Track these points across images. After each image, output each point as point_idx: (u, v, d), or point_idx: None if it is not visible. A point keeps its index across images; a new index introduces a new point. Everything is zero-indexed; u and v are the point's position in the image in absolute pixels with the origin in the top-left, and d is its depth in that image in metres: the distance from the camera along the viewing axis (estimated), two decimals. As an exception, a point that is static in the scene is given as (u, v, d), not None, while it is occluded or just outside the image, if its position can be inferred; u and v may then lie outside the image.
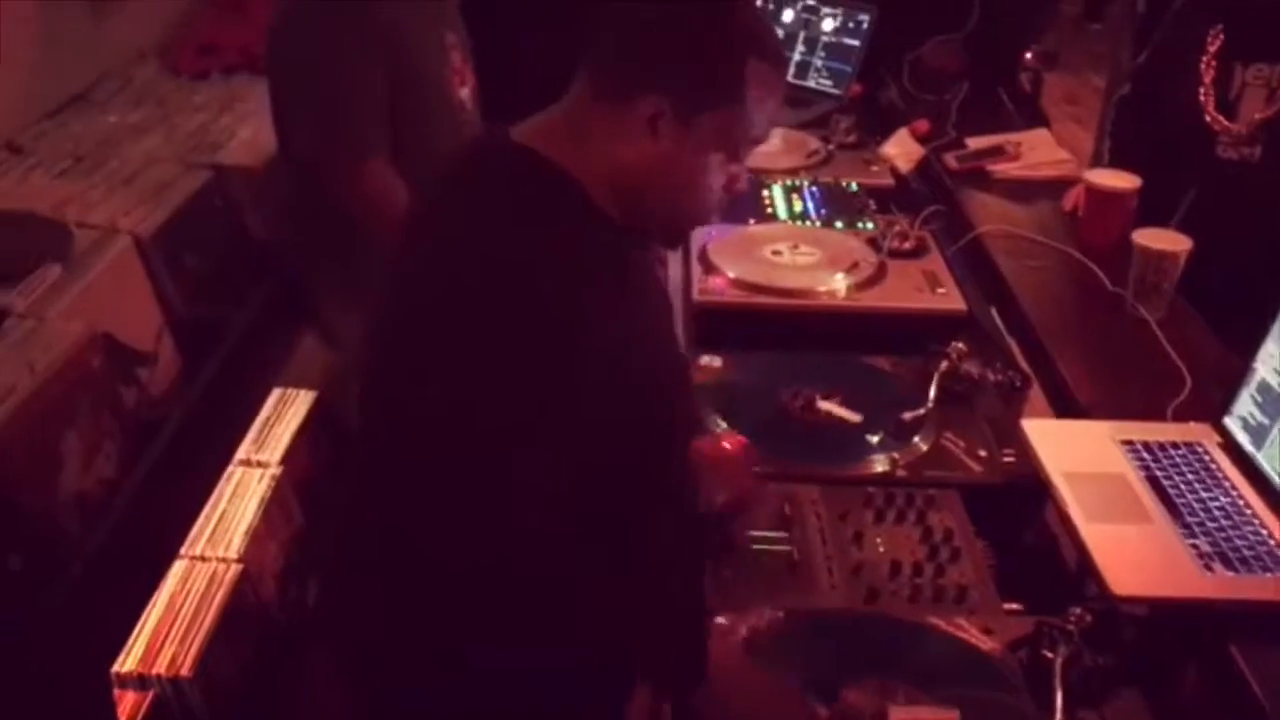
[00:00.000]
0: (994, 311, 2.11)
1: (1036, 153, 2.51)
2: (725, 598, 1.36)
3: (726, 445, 1.62)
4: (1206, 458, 1.54)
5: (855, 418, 1.69)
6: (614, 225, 1.21)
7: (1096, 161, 2.56)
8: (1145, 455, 1.55)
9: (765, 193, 2.38)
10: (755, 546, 1.44)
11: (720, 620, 1.32)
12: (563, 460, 1.14)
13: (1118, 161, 2.37)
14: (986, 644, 1.32)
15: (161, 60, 2.64)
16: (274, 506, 2.38)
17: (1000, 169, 2.47)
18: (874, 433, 1.66)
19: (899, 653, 1.29)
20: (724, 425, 1.67)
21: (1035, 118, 2.79)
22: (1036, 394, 1.89)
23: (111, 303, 1.84)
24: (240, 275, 2.19)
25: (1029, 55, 2.96)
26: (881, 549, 1.46)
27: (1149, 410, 1.69)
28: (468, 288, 1.16)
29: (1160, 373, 1.78)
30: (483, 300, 1.15)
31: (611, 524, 1.20)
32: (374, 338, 1.31)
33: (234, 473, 2.42)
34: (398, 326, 1.26)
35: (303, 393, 2.59)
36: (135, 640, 1.96)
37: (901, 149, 2.58)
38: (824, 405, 1.70)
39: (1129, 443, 1.57)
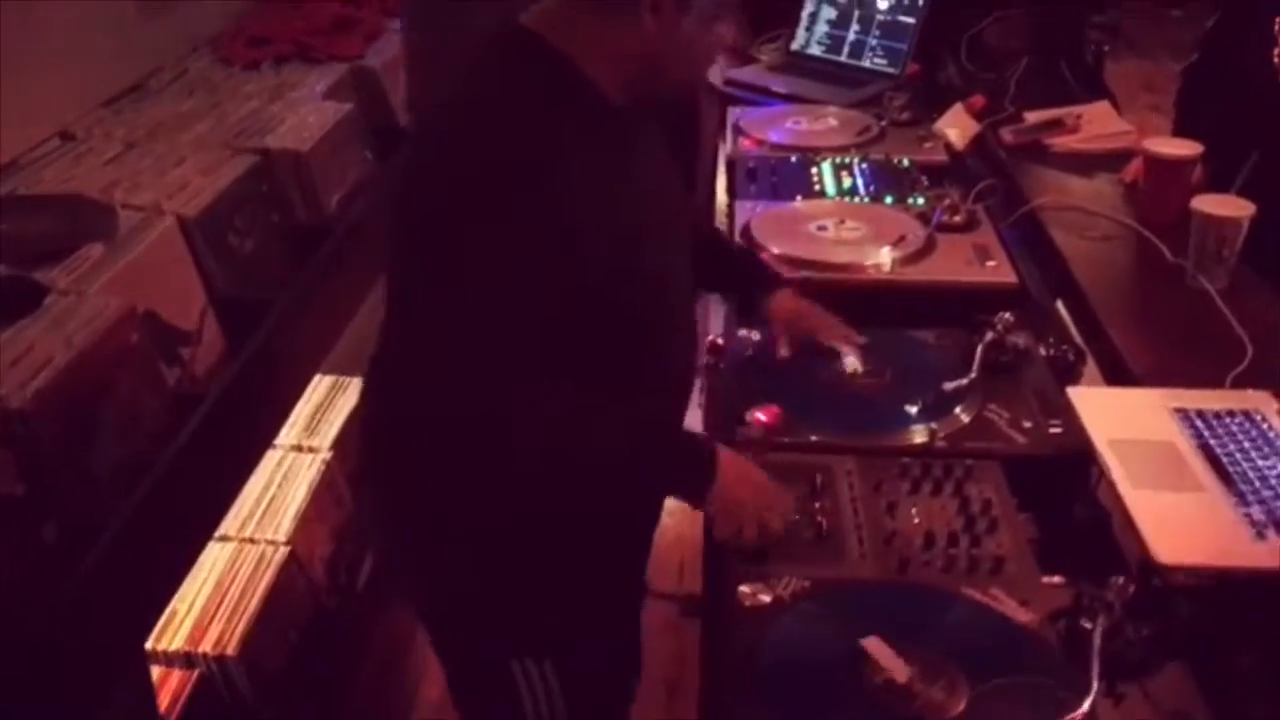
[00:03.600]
0: (1048, 285, 2.04)
1: (1096, 125, 2.43)
2: (751, 565, 1.32)
3: (761, 416, 1.60)
4: (1264, 425, 1.47)
5: (859, 365, 1.67)
6: (605, 102, 1.32)
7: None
8: (1198, 423, 1.48)
9: (814, 170, 2.34)
10: (784, 516, 1.39)
11: (744, 589, 1.29)
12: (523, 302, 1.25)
13: (1183, 132, 2.28)
14: (1022, 615, 1.27)
15: (215, 52, 2.67)
16: (324, 492, 2.40)
17: (1058, 142, 2.40)
18: (913, 403, 1.61)
19: (928, 622, 1.25)
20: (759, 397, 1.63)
21: (1098, 91, 2.70)
22: (1091, 371, 1.82)
23: (154, 281, 1.85)
24: (283, 258, 2.19)
25: (1091, 28, 2.88)
26: (916, 520, 1.41)
27: (1207, 381, 1.62)
28: (446, 150, 1.30)
29: (1220, 343, 1.71)
30: (457, 160, 1.28)
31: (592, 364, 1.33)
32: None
33: (285, 458, 2.45)
34: (398, 194, 1.39)
35: (355, 380, 2.61)
36: (182, 619, 1.99)
37: (956, 125, 2.52)
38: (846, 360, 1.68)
39: (1181, 410, 1.51)
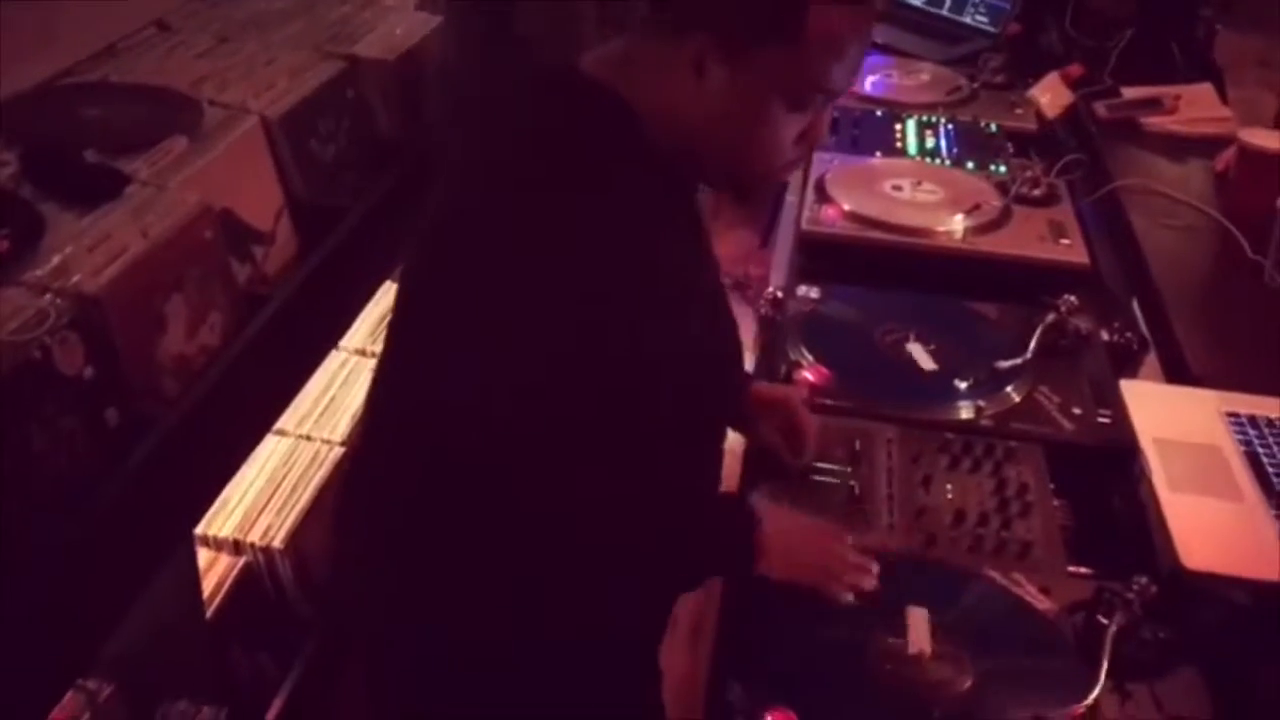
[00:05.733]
0: (1121, 269, 2.01)
1: (1195, 108, 2.36)
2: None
3: (809, 376, 1.61)
4: (1317, 438, 1.45)
5: (929, 365, 1.63)
6: (664, 166, 1.14)
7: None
8: (1250, 430, 1.46)
9: (897, 126, 2.31)
10: (816, 478, 1.41)
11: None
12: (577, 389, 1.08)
13: (1286, 123, 2.21)
14: (1041, 602, 1.27)
15: (317, -50, 2.68)
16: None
17: (1153, 122, 2.34)
18: (963, 379, 1.60)
19: (946, 601, 1.26)
20: (809, 357, 1.63)
21: (1203, 73, 2.61)
22: (1152, 361, 1.79)
23: (234, 180, 1.89)
24: (363, 167, 2.22)
25: (1205, 4, 2.77)
26: (949, 496, 1.42)
27: (1266, 386, 1.59)
28: (503, 217, 1.11)
29: (1287, 348, 1.67)
30: (515, 229, 1.10)
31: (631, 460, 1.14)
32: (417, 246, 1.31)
33: (348, 360, 2.51)
34: (434, 242, 1.25)
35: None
36: (234, 508, 2.06)
37: (1050, 93, 2.46)
38: (910, 347, 1.65)
39: (1233, 414, 1.49)
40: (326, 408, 2.35)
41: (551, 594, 1.16)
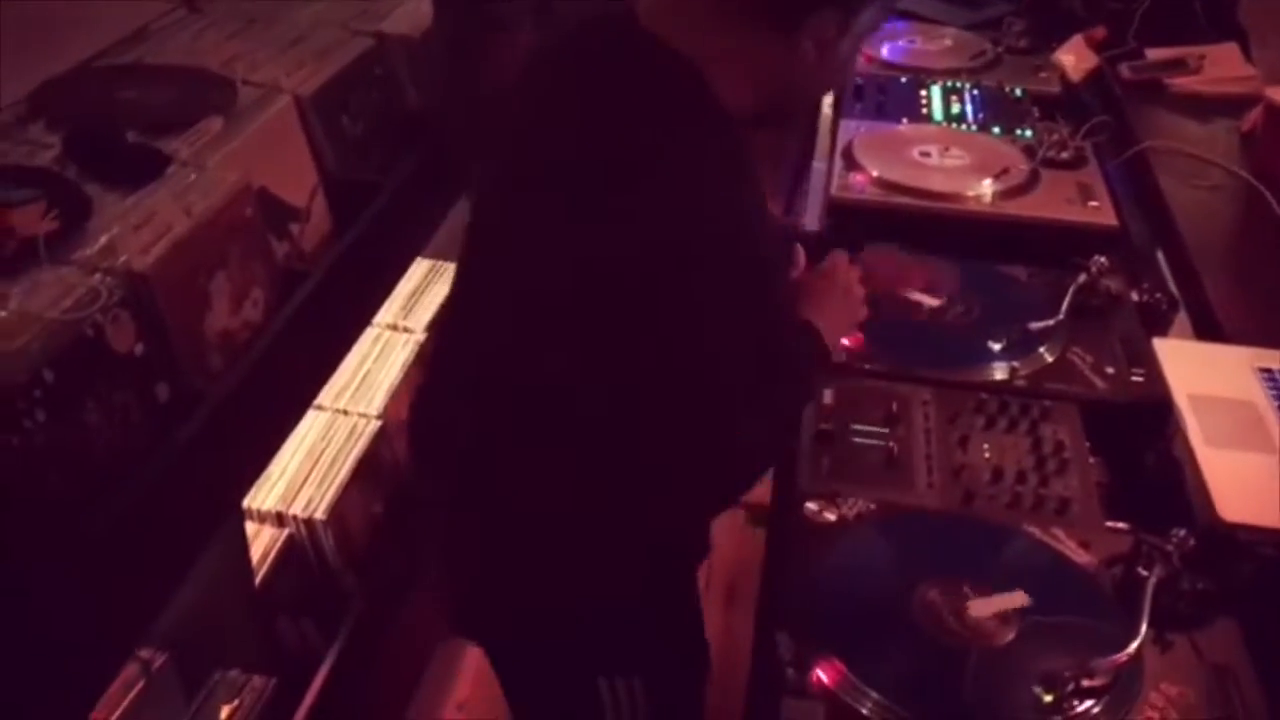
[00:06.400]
0: (1150, 230, 2.02)
1: (1220, 67, 2.36)
2: (817, 483, 1.37)
3: (844, 340, 1.62)
4: (1350, 392, 1.46)
5: (935, 301, 1.64)
6: (730, 119, 1.18)
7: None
8: (1283, 385, 1.48)
9: (923, 93, 2.32)
10: (855, 440, 1.43)
11: (810, 506, 1.33)
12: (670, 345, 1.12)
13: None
14: (1081, 557, 1.30)
15: (341, -70, 2.69)
16: (416, 370, 2.49)
17: (1178, 83, 2.34)
18: (997, 340, 1.62)
19: (986, 556, 1.28)
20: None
21: (1228, 32, 2.60)
22: (1183, 321, 1.81)
23: (269, 158, 1.91)
24: (393, 142, 2.24)
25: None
26: (987, 455, 1.44)
27: (1298, 342, 1.60)
28: (588, 185, 1.14)
29: (1317, 304, 1.69)
30: (604, 197, 1.12)
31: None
32: (481, 210, 1.38)
33: (382, 335, 2.55)
34: (506, 210, 1.30)
35: (452, 265, 2.67)
36: (276, 481, 2.10)
37: (1074, 56, 2.46)
38: (910, 294, 1.65)
39: (1266, 370, 1.50)
40: (362, 382, 2.39)
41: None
